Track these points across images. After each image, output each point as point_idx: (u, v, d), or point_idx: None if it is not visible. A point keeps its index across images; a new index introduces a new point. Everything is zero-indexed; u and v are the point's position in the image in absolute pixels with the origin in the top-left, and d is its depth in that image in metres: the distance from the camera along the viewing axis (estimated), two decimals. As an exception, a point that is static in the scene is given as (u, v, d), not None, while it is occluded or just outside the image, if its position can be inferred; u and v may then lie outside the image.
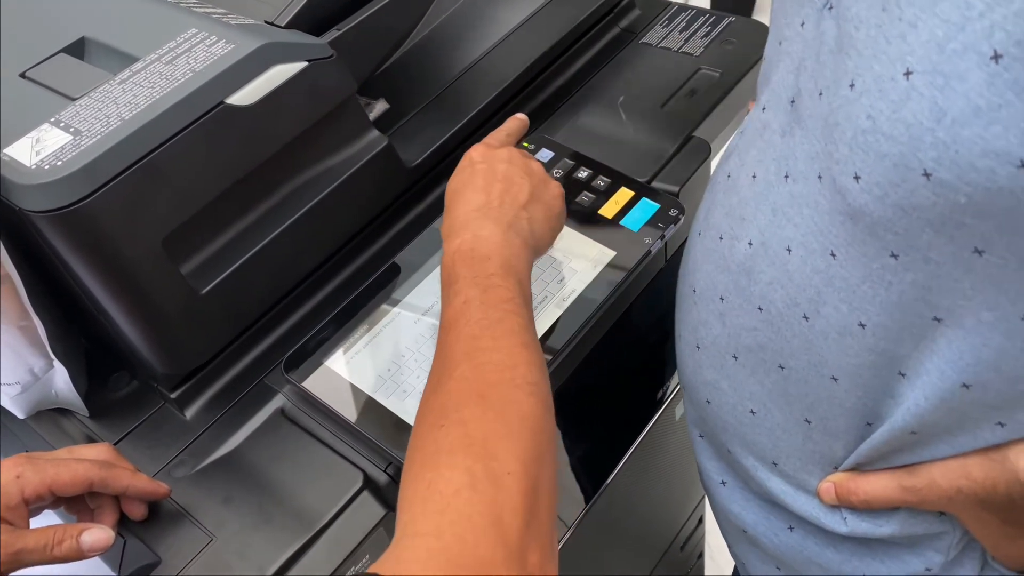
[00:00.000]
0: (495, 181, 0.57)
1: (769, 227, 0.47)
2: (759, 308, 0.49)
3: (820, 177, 0.42)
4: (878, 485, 0.48)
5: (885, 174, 0.36)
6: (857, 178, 0.37)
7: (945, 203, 0.35)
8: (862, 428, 0.47)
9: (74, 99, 0.55)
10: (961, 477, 0.44)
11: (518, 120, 0.69)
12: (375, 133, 0.66)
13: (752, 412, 0.53)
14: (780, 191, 0.46)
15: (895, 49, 0.34)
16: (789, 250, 0.45)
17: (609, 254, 0.65)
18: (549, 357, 0.60)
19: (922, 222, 0.36)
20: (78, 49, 0.59)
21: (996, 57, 0.31)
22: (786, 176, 0.45)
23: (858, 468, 0.49)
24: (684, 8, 0.87)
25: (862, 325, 0.42)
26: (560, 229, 0.60)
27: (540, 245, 0.57)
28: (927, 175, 0.34)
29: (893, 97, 0.34)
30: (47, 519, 0.53)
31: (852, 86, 0.37)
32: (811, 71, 0.42)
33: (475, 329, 0.47)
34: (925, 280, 0.38)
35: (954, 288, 0.38)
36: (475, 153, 0.61)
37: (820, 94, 0.41)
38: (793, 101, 0.45)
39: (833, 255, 0.42)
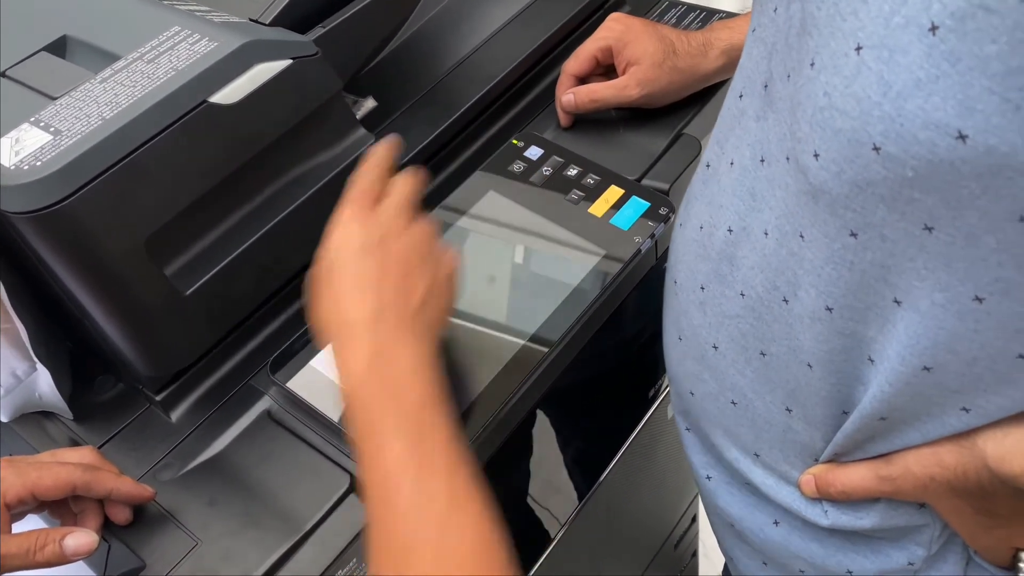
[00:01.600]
0: (388, 269, 0.47)
1: (749, 212, 0.47)
2: (741, 294, 0.49)
3: (788, 158, 0.42)
4: (855, 475, 0.48)
5: (840, 150, 0.36)
6: (816, 155, 0.38)
7: (895, 177, 0.35)
8: (839, 417, 0.47)
9: (55, 98, 0.54)
10: (934, 464, 0.44)
11: (410, 177, 0.54)
12: (362, 131, 0.65)
13: (733, 403, 0.53)
14: (757, 175, 0.46)
15: (848, 25, 0.35)
16: (766, 233, 0.45)
17: (599, 252, 0.64)
18: (544, 350, 0.59)
19: (876, 198, 0.37)
20: (59, 47, 0.59)
21: (933, 29, 0.31)
22: (762, 160, 0.45)
23: (836, 459, 0.50)
24: (675, 4, 0.86)
25: (829, 309, 0.43)
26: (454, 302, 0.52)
27: (439, 334, 0.49)
28: (876, 149, 0.35)
29: (846, 72, 0.35)
30: (31, 524, 0.52)
31: (812, 64, 0.37)
32: (781, 55, 0.42)
33: (422, 502, 0.40)
34: (883, 259, 0.39)
35: (909, 268, 0.38)
36: (352, 227, 0.49)
37: (788, 76, 0.41)
38: (766, 86, 0.45)
39: (802, 236, 0.42)
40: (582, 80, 0.75)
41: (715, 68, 0.73)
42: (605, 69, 0.76)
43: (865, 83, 0.34)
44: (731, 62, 0.72)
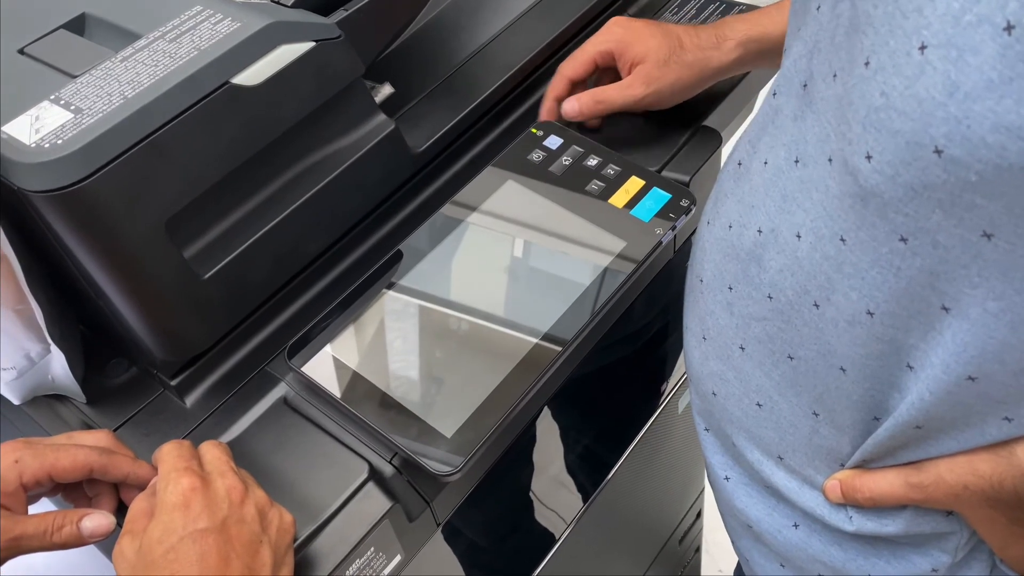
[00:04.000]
0: (231, 553, 0.45)
1: (779, 213, 0.46)
2: (769, 296, 0.48)
3: (830, 160, 0.41)
4: (884, 482, 0.47)
5: (897, 152, 0.35)
6: (869, 157, 0.37)
7: (956, 181, 0.34)
8: (869, 423, 0.47)
9: (75, 76, 0.53)
10: (968, 473, 0.43)
11: (217, 445, 0.53)
12: (382, 117, 0.64)
13: (759, 404, 0.52)
14: (790, 176, 0.45)
15: (911, 23, 0.34)
16: (799, 236, 0.44)
17: (619, 244, 0.64)
18: (558, 349, 0.58)
19: (932, 202, 0.36)
20: (78, 25, 0.58)
21: (1009, 28, 0.30)
22: (796, 161, 0.44)
23: (864, 465, 0.49)
24: (694, -5, 0.85)
25: (870, 313, 0.42)
26: None
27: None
28: (938, 152, 0.34)
29: (907, 72, 0.34)
30: (43, 508, 0.52)
31: (867, 64, 0.36)
32: (825, 53, 0.42)
33: None
34: (933, 266, 0.38)
35: (961, 275, 0.37)
36: (192, 502, 0.46)
37: (834, 76, 0.40)
38: (805, 85, 0.44)
39: (843, 240, 0.41)
40: (576, 85, 0.72)
41: (730, 61, 0.70)
42: (601, 75, 0.73)
43: (929, 83, 0.33)
44: (748, 55, 0.69)
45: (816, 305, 0.45)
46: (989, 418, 0.41)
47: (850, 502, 0.50)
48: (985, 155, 0.32)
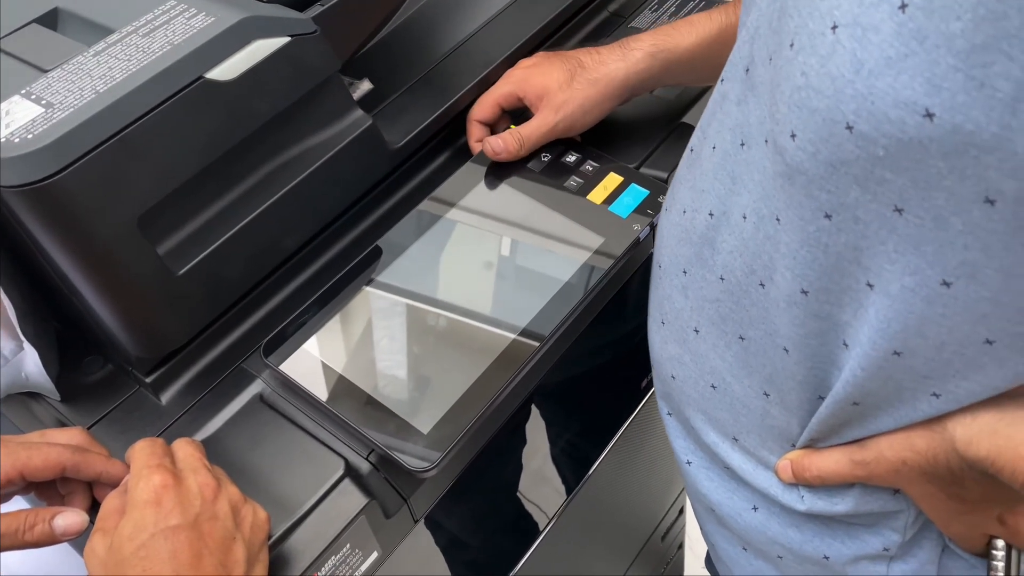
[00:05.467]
0: (204, 550, 0.44)
1: (729, 195, 0.47)
2: (721, 278, 0.49)
3: (766, 141, 0.42)
4: (830, 460, 0.48)
5: (816, 130, 0.36)
6: (793, 136, 0.38)
7: (867, 156, 0.35)
8: (815, 402, 0.48)
9: (46, 71, 0.53)
10: (906, 449, 0.44)
11: (190, 443, 0.53)
12: (359, 112, 0.64)
13: (713, 387, 0.53)
14: (737, 159, 0.46)
15: (826, 4, 0.35)
16: (745, 217, 0.45)
17: (598, 240, 0.64)
18: (536, 344, 0.58)
19: (849, 178, 0.37)
20: (51, 20, 0.57)
21: (903, 6, 0.32)
22: (742, 144, 0.45)
23: (812, 445, 0.50)
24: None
25: (804, 292, 0.43)
26: None
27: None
28: (849, 128, 0.35)
29: (822, 52, 0.35)
30: (16, 507, 0.51)
31: (792, 45, 0.37)
32: (764, 38, 0.43)
33: None
34: (856, 241, 0.39)
35: (880, 251, 0.38)
36: (164, 499, 0.45)
37: (770, 59, 0.41)
38: (748, 69, 0.45)
39: (778, 219, 0.42)
40: (491, 128, 0.73)
41: (639, 71, 0.69)
42: (513, 117, 0.74)
43: (840, 62, 0.34)
44: (658, 64, 0.69)
45: (762, 285, 0.46)
46: (919, 394, 0.42)
47: (800, 481, 0.51)
48: (888, 130, 0.34)
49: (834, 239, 0.40)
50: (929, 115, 0.32)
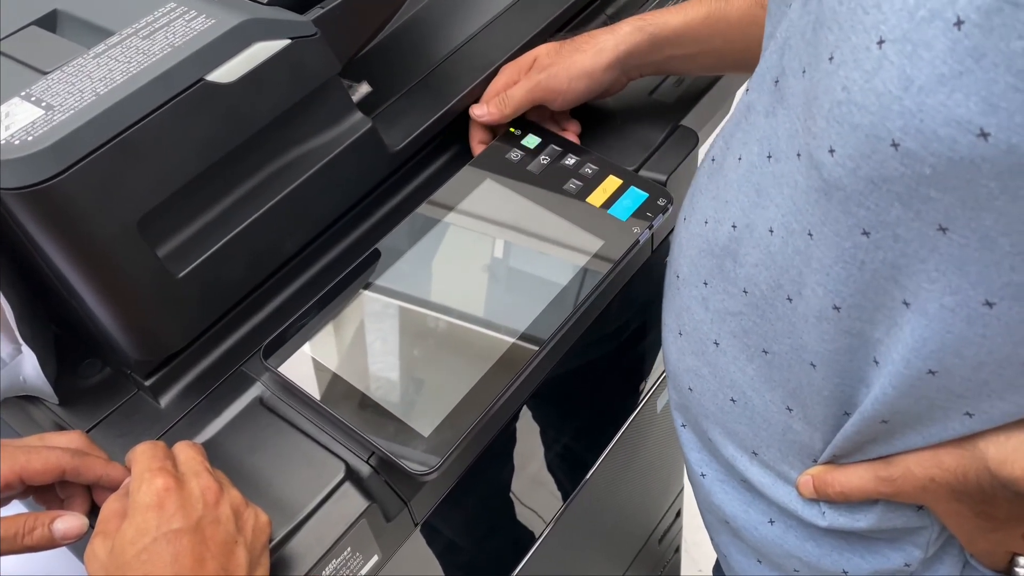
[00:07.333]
0: (206, 554, 0.44)
1: (753, 208, 0.46)
2: (744, 291, 0.48)
3: (799, 155, 0.41)
4: (854, 476, 0.48)
5: (857, 146, 0.36)
6: (832, 151, 0.37)
7: (912, 174, 0.35)
8: (840, 418, 0.47)
9: (46, 73, 0.52)
10: (934, 466, 0.44)
11: (191, 445, 0.53)
12: (358, 115, 0.64)
13: (733, 400, 0.53)
14: (764, 172, 0.45)
15: (871, 19, 0.34)
16: (771, 231, 0.45)
17: (597, 243, 0.64)
18: (535, 348, 0.58)
19: (891, 195, 0.36)
20: (50, 22, 0.57)
21: (959, 23, 0.31)
22: (769, 156, 0.45)
23: (835, 461, 0.49)
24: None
25: (836, 308, 0.42)
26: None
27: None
28: (895, 145, 0.34)
29: (867, 67, 0.34)
30: (15, 511, 0.51)
31: (831, 59, 0.37)
32: (795, 50, 0.42)
33: None
34: (894, 259, 0.38)
35: (920, 270, 0.38)
36: (166, 503, 0.45)
37: (803, 71, 0.41)
38: (777, 81, 0.45)
39: (810, 234, 0.42)
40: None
41: (627, 44, 0.68)
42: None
43: (886, 77, 0.34)
44: (647, 39, 0.68)
45: (789, 299, 0.45)
46: (951, 413, 0.41)
47: (822, 497, 0.50)
48: (937, 148, 0.33)
49: (871, 256, 0.39)
50: (984, 134, 0.32)
